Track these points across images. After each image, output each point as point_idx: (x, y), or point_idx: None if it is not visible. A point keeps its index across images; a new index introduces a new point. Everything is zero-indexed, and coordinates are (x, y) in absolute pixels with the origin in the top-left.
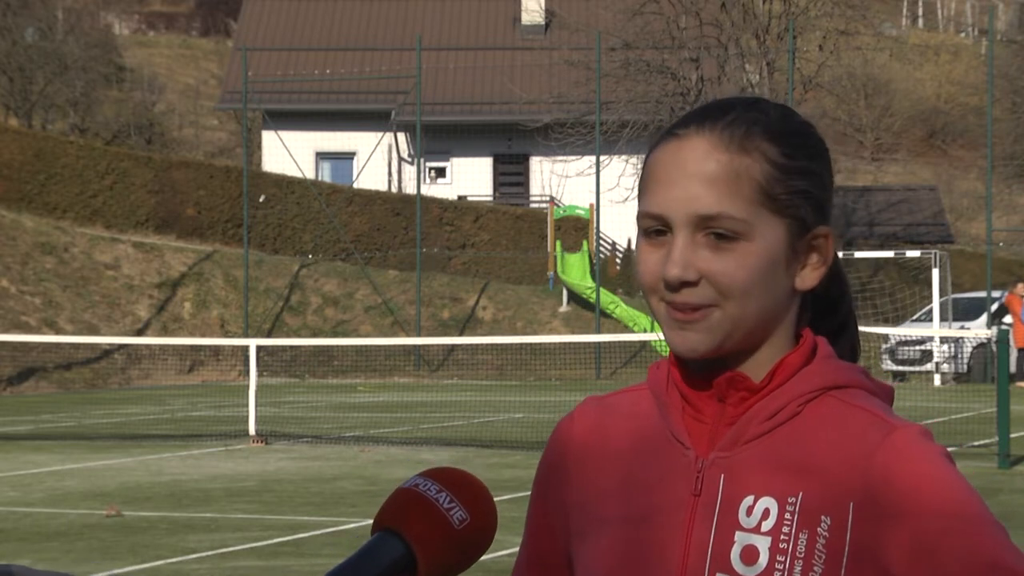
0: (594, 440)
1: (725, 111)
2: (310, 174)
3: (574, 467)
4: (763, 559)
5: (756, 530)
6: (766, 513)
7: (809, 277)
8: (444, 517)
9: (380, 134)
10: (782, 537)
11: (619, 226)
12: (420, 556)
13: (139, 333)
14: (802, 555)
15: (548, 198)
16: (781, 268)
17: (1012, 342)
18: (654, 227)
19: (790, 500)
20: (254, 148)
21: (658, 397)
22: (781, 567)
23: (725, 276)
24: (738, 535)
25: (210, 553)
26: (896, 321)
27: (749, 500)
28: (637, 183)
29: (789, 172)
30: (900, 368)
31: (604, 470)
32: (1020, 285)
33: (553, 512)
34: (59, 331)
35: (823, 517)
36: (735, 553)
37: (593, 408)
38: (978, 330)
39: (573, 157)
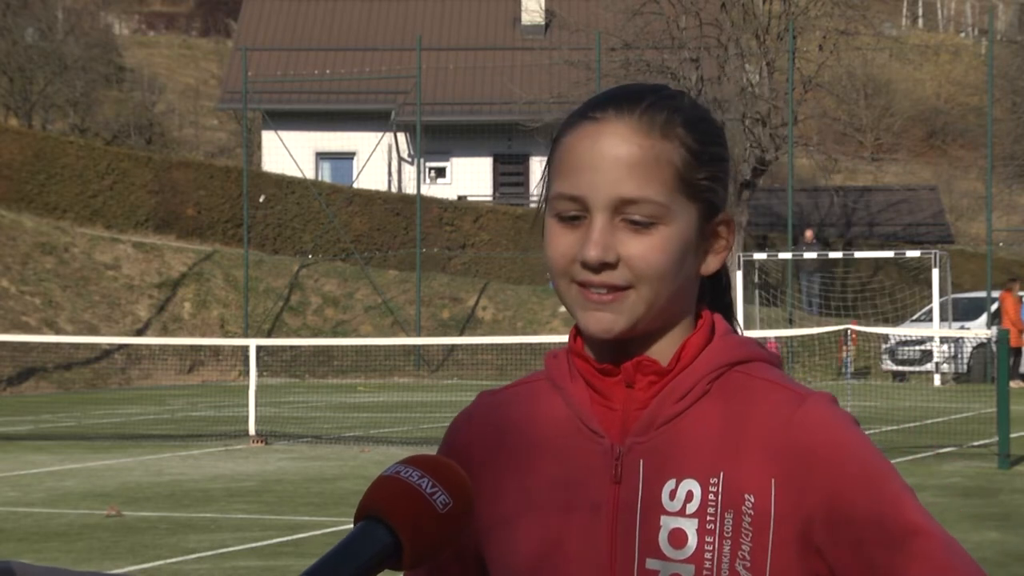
0: (493, 439)
1: (641, 96)
2: (310, 174)
3: (476, 468)
4: (692, 541)
5: (681, 513)
6: (689, 495)
7: (713, 262)
8: (428, 502)
9: (380, 134)
10: (708, 518)
11: None
12: (406, 542)
13: (139, 333)
14: (730, 535)
15: None
16: (691, 252)
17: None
18: (570, 211)
19: (712, 481)
20: (254, 148)
21: (561, 387)
22: (711, 548)
23: (643, 260)
24: (663, 519)
25: (210, 553)
26: (896, 321)
27: (671, 484)
28: (544, 165)
29: (702, 158)
30: (900, 368)
31: (508, 466)
32: (1016, 284)
33: None
34: (59, 331)
35: (746, 496)
36: (663, 537)
37: (487, 405)
38: (978, 330)
39: None
